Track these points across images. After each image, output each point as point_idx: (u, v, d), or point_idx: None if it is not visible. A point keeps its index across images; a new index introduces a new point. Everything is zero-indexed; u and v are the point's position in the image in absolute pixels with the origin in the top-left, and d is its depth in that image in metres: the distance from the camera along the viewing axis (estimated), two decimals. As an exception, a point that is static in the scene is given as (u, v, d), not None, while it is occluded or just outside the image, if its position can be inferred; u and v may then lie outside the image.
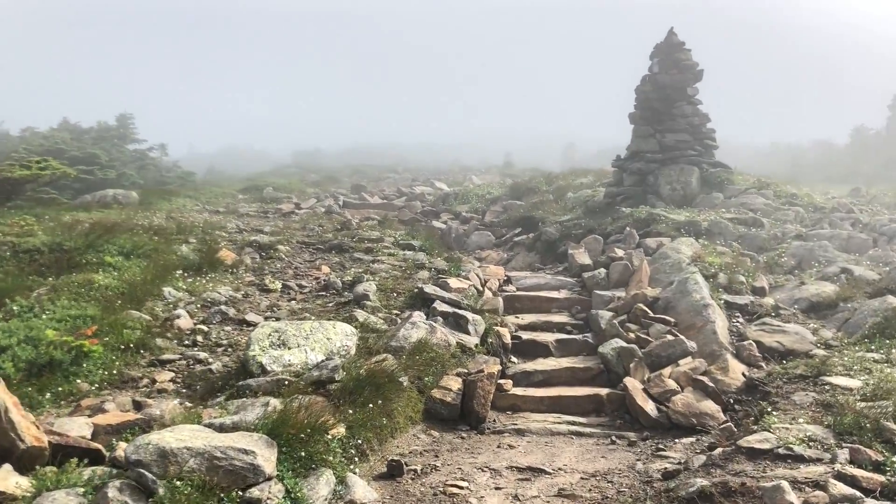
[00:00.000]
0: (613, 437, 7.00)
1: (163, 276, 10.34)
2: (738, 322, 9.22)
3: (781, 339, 8.34)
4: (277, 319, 9.10)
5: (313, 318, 8.78)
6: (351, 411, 6.09)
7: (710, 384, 7.30)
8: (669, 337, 8.46)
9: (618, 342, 8.72)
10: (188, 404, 6.51)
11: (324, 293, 10.57)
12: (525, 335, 9.71)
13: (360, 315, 8.76)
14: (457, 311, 8.82)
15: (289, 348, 7.06)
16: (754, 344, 8.22)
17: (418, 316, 8.27)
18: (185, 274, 10.72)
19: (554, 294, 11.35)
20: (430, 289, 9.54)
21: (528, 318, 10.51)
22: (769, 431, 5.64)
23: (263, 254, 12.85)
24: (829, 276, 10.31)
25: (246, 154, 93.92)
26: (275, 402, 5.76)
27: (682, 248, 11.46)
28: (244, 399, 6.18)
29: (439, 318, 8.68)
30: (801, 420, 5.86)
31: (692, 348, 8.15)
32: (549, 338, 9.60)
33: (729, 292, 10.11)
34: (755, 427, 5.90)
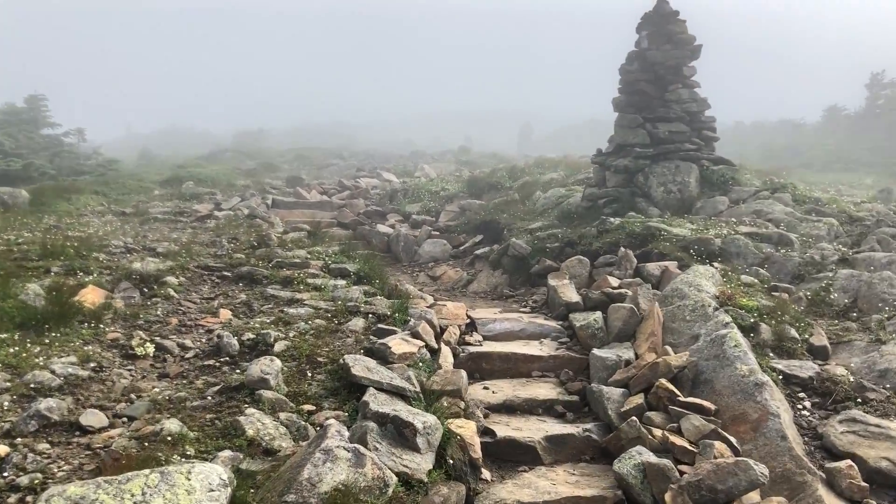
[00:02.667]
0: None
1: (-20, 341, 7.12)
2: (805, 410, 6.40)
3: (890, 453, 5.52)
4: (129, 421, 6.02)
5: (175, 427, 5.63)
6: None
7: (819, 568, 4.44)
8: (723, 452, 5.57)
9: (640, 454, 5.81)
10: None
11: (212, 362, 7.41)
12: (500, 427, 6.75)
13: (251, 423, 5.65)
14: (398, 412, 5.75)
15: (95, 539, 3.95)
16: (854, 465, 5.38)
17: (336, 435, 5.18)
18: (19, 333, 7.50)
19: (534, 349, 8.40)
20: (359, 368, 6.46)
21: (501, 390, 7.56)
22: None
23: (146, 289, 9.58)
24: (912, 329, 7.56)
25: (186, 135, 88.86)
26: None
27: (701, 282, 8.60)
28: None
29: (373, 424, 5.63)
30: None
31: (762, 476, 5.26)
32: (534, 431, 6.66)
33: (779, 354, 7.30)
34: None
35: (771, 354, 7.20)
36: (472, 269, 13.75)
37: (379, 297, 9.29)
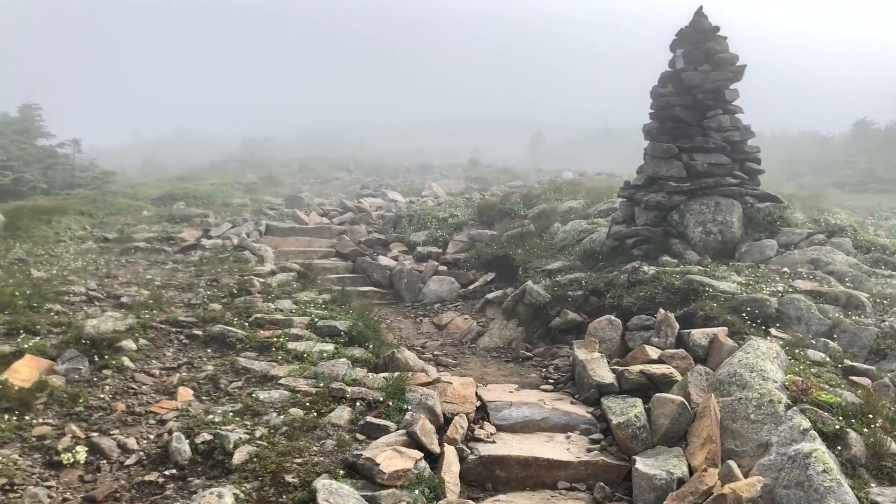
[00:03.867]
0: None
1: None
2: (928, 573, 4.80)
3: None
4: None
5: None
6: None
7: None
8: None
9: None
10: None
11: (155, 476, 5.85)
12: (519, 579, 5.18)
13: None
14: None
15: None
16: None
17: None
18: (-80, 430, 6.02)
19: (560, 449, 6.78)
20: (335, 513, 4.89)
21: (519, 513, 5.99)
22: None
23: (97, 358, 8.04)
24: None
25: (193, 142, 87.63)
26: None
27: (764, 364, 6.98)
28: None
29: None
30: None
31: None
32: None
33: (878, 477, 5.69)
34: None
35: (868, 480, 5.59)
36: (483, 315, 12.18)
37: (371, 375, 7.71)
